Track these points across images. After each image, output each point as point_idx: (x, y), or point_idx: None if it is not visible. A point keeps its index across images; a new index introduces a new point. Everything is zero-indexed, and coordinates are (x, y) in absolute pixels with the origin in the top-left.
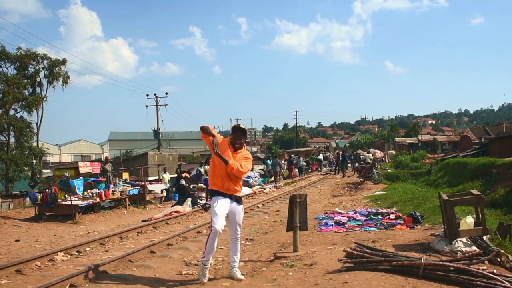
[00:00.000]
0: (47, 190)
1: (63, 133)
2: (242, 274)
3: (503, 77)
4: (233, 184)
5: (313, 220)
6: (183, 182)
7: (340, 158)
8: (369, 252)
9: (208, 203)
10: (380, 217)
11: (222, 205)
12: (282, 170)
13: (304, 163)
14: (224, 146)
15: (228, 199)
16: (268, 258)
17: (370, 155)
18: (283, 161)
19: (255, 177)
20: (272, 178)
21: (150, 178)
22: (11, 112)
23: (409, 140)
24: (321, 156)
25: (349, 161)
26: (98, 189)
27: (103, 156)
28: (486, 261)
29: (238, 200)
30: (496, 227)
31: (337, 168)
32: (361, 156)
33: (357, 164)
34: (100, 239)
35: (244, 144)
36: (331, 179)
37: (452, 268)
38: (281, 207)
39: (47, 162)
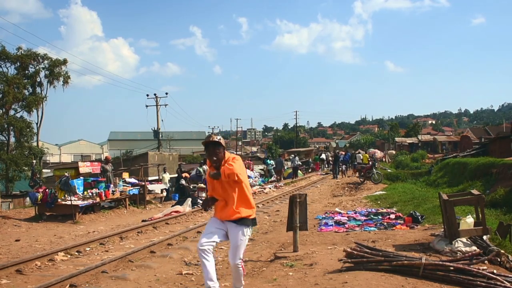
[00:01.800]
0: (46, 190)
1: (63, 133)
2: None
3: (503, 77)
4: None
5: (313, 220)
6: (183, 182)
7: (338, 158)
8: (369, 252)
9: None
10: (380, 217)
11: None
12: (283, 170)
13: (300, 163)
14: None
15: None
16: (268, 258)
17: (361, 155)
18: (284, 161)
19: (255, 177)
20: (272, 178)
21: (150, 178)
22: (11, 112)
23: (409, 140)
24: (323, 156)
25: (349, 162)
26: (98, 189)
27: (103, 156)
28: (486, 261)
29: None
30: (496, 227)
31: (336, 168)
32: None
33: (344, 166)
34: (100, 239)
35: (225, 152)
36: (331, 179)
37: (452, 268)
38: (281, 207)
39: (47, 162)
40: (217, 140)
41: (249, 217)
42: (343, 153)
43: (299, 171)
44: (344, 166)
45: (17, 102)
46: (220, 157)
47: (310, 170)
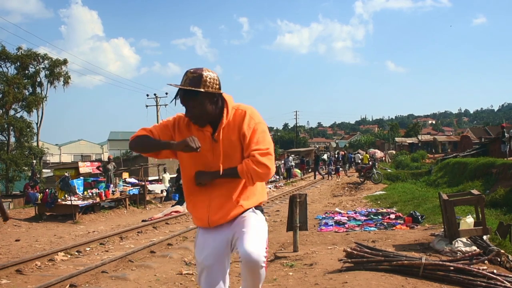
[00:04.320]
0: (46, 190)
1: (63, 133)
2: None
3: (503, 77)
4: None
5: (313, 220)
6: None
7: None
8: (369, 252)
9: None
10: (380, 217)
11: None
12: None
13: (293, 164)
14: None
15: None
16: (268, 258)
17: (359, 155)
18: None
19: None
20: (272, 178)
21: (150, 178)
22: (11, 112)
23: (409, 140)
24: (325, 156)
25: (337, 162)
26: (98, 189)
27: (103, 156)
28: (486, 261)
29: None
30: (496, 227)
31: (337, 167)
32: (359, 156)
33: (331, 167)
34: (100, 239)
35: (224, 100)
36: (331, 179)
37: (452, 268)
38: (281, 207)
39: (47, 162)
40: (193, 88)
41: (260, 204)
42: (343, 153)
43: (298, 170)
44: (331, 168)
45: (17, 102)
46: (207, 112)
47: (310, 170)
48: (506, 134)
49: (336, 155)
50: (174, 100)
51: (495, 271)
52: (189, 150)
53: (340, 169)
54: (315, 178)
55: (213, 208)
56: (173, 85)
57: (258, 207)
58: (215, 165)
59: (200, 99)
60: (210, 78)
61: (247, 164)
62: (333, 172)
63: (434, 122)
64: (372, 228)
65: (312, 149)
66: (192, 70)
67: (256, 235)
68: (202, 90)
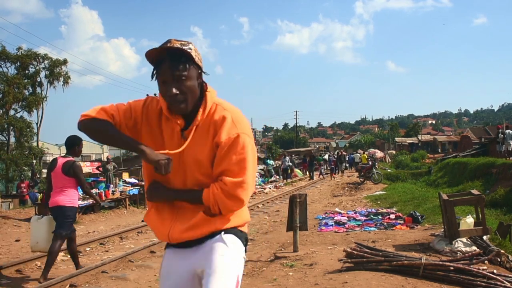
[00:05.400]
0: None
1: (63, 133)
2: None
3: (503, 77)
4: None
5: (313, 220)
6: None
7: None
8: (369, 252)
9: None
10: (380, 217)
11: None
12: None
13: (291, 164)
14: (154, 136)
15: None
16: (268, 258)
17: (358, 155)
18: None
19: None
20: (272, 178)
21: None
22: (11, 112)
23: (409, 140)
24: (326, 156)
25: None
26: (98, 189)
27: (103, 156)
28: (486, 261)
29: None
30: (496, 227)
31: (334, 167)
32: (358, 155)
33: (323, 168)
34: (100, 239)
35: (205, 86)
36: (330, 180)
37: (452, 268)
38: (281, 207)
39: (47, 162)
40: (181, 46)
41: (238, 227)
42: (340, 153)
43: (298, 170)
44: (322, 168)
45: (17, 102)
46: (194, 93)
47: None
48: (500, 134)
49: (335, 155)
50: (155, 74)
51: (495, 271)
52: (157, 172)
53: (338, 169)
54: (312, 178)
55: (177, 221)
56: (151, 54)
57: (238, 231)
58: (179, 174)
59: (191, 72)
60: (198, 53)
61: (214, 194)
62: (328, 173)
63: (434, 122)
64: (372, 228)
65: (312, 149)
66: (177, 39)
67: (222, 284)
68: (195, 57)
